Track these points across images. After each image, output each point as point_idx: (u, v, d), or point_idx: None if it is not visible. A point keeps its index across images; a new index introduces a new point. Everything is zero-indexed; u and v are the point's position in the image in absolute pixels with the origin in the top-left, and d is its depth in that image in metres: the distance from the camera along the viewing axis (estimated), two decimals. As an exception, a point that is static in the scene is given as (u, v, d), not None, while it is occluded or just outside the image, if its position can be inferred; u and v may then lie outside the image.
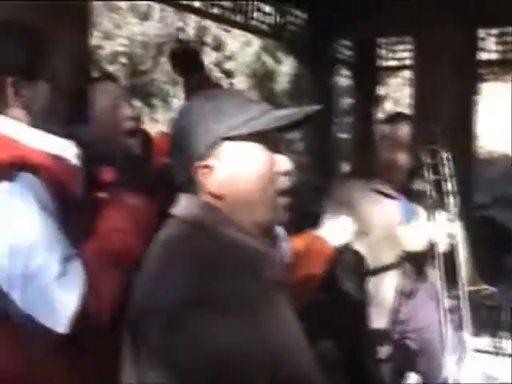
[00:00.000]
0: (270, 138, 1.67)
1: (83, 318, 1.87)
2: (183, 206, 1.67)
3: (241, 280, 1.57)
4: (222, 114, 1.62)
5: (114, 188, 2.16)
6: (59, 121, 2.12)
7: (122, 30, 17.87)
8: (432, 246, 3.64)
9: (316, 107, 1.71)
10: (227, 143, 1.62)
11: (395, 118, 3.98)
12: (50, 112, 2.09)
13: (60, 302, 1.85)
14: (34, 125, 2.05)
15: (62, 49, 2.21)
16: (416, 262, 3.81)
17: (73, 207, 2.01)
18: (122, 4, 17.81)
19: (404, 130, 3.84)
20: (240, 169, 1.63)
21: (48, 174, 1.96)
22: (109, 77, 2.66)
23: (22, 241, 1.85)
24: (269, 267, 1.68)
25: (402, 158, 3.83)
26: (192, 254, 1.55)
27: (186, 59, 5.46)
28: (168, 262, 1.56)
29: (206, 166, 1.61)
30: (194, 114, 1.63)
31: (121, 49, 17.75)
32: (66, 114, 2.16)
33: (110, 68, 17.54)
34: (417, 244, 3.68)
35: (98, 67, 16.56)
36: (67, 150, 2.07)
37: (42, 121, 2.06)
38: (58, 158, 2.03)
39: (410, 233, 3.66)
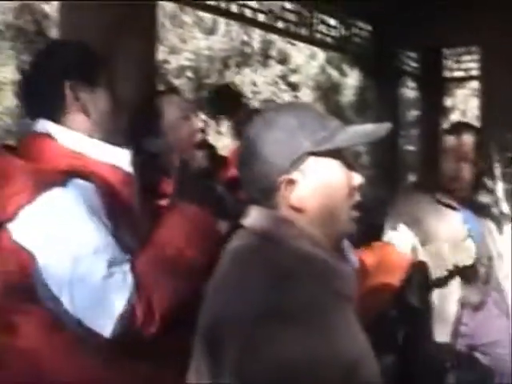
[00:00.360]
0: (344, 154, 1.70)
1: (130, 322, 1.89)
2: (256, 218, 1.70)
3: (313, 293, 1.59)
4: (308, 129, 1.65)
5: (175, 198, 2.18)
6: (119, 130, 2.16)
7: (188, 45, 18.06)
8: (500, 258, 3.58)
9: (389, 125, 1.71)
10: (311, 158, 1.65)
11: (459, 128, 3.92)
12: (110, 120, 2.14)
13: (106, 304, 1.88)
14: (92, 131, 2.11)
15: (127, 61, 2.26)
16: (483, 275, 3.75)
17: (127, 214, 2.04)
18: (188, 19, 18.01)
19: (468, 141, 3.78)
20: (322, 183, 1.66)
21: (101, 181, 2.01)
22: (174, 90, 2.70)
23: (70, 245, 1.89)
24: (340, 280, 1.69)
25: (467, 170, 3.78)
26: (266, 266, 1.58)
27: (226, 100, 5.45)
28: (242, 273, 1.59)
29: (291, 180, 1.64)
30: (278, 129, 1.64)
31: (187, 63, 17.94)
32: (127, 125, 2.20)
33: (176, 82, 17.74)
34: (483, 256, 3.63)
35: (164, 81, 16.77)
36: (122, 158, 2.11)
37: (100, 127, 2.12)
38: (112, 167, 2.08)
39: (475, 245, 3.60)
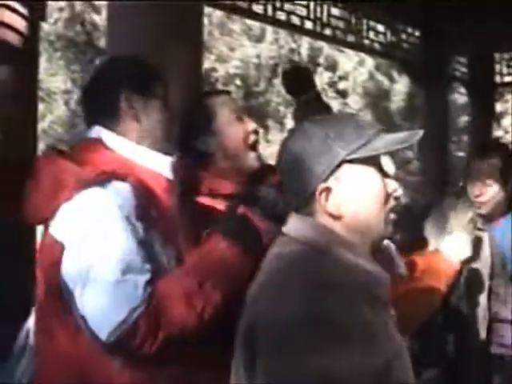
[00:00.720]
0: (379, 161, 1.74)
1: (129, 333, 1.89)
2: (297, 225, 1.72)
3: (354, 300, 1.59)
4: (344, 138, 1.68)
5: (216, 230, 2.17)
6: (168, 137, 2.23)
7: (236, 53, 18.17)
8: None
9: (421, 132, 1.74)
10: (347, 165, 1.68)
11: (486, 149, 3.82)
12: (160, 128, 2.21)
13: (110, 308, 1.89)
14: (142, 138, 2.18)
15: (175, 70, 2.31)
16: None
17: (163, 221, 2.07)
18: (236, 27, 18.11)
19: (492, 163, 3.67)
20: (358, 190, 1.70)
21: (142, 186, 2.05)
22: (226, 92, 2.73)
23: (94, 243, 1.93)
24: (378, 287, 1.70)
25: (493, 190, 3.67)
26: (307, 274, 1.59)
27: (298, 79, 5.51)
28: (283, 280, 1.59)
29: (327, 188, 1.68)
30: (315, 138, 1.69)
31: (235, 71, 18.04)
32: (179, 126, 2.28)
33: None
34: None
35: (213, 89, 16.89)
36: (164, 165, 2.16)
37: (150, 135, 2.20)
38: (155, 173, 2.13)
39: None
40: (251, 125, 2.54)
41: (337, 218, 1.69)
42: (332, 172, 1.67)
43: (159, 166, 2.15)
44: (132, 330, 1.89)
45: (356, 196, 1.69)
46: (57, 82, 17.77)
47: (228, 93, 2.73)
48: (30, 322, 2.29)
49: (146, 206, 2.02)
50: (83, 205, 1.97)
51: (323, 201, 1.68)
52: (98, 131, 2.17)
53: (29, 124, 5.40)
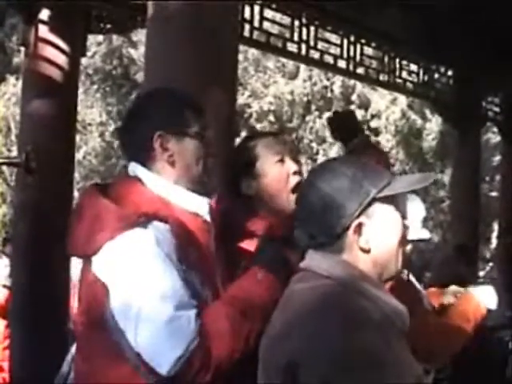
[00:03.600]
0: (397, 201, 1.83)
1: (186, 366, 1.94)
2: (320, 261, 1.77)
3: (387, 332, 1.65)
4: (371, 178, 1.77)
5: (255, 262, 2.22)
6: (206, 176, 2.24)
7: (270, 89, 18.28)
8: None
9: (434, 175, 1.84)
10: (376, 203, 1.76)
11: None
12: (197, 168, 2.22)
13: (167, 345, 1.94)
14: (178, 179, 2.19)
15: (209, 107, 2.33)
16: None
17: (201, 261, 2.11)
18: (270, 64, 18.25)
19: None
20: (385, 227, 1.78)
21: (180, 226, 2.08)
22: (272, 133, 2.76)
23: (142, 284, 1.97)
24: (400, 319, 1.75)
25: None
26: (337, 309, 1.64)
27: (345, 125, 5.50)
28: (318, 317, 1.63)
29: (360, 224, 1.74)
30: (345, 176, 1.76)
31: (269, 107, 18.14)
32: (211, 171, 2.27)
33: (258, 126, 17.94)
34: None
35: (247, 125, 17.00)
36: (202, 207, 2.19)
37: (186, 175, 2.20)
38: (192, 214, 2.15)
39: None
40: (293, 166, 2.55)
41: (366, 252, 1.75)
42: (363, 208, 1.74)
43: (196, 206, 2.17)
44: (189, 363, 1.95)
45: (384, 232, 1.77)
46: (92, 115, 18.00)
47: (273, 134, 2.76)
48: (74, 348, 2.34)
49: (184, 246, 2.06)
50: (127, 246, 2.00)
51: (355, 236, 1.74)
52: (134, 168, 2.20)
53: (68, 154, 5.54)
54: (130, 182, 2.17)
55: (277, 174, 2.52)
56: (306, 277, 1.77)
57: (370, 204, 1.75)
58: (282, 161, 2.52)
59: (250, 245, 2.37)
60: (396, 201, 1.81)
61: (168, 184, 2.17)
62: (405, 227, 1.83)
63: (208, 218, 2.17)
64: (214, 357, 1.98)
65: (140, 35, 16.40)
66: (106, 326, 2.00)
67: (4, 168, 14.65)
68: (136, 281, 1.97)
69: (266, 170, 2.52)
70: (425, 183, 1.84)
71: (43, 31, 5.19)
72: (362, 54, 7.16)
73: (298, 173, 2.55)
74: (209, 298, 2.08)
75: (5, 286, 7.39)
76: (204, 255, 2.13)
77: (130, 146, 2.24)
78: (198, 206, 2.17)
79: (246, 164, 2.52)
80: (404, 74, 7.82)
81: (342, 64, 7.06)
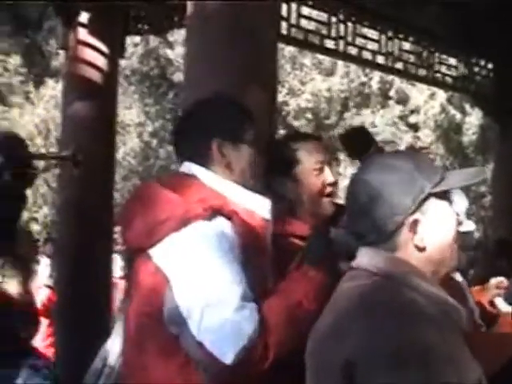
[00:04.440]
0: (450, 197, 1.79)
1: (249, 356, 1.98)
2: (373, 259, 1.73)
3: (443, 327, 1.63)
4: (425, 172, 1.72)
5: (304, 260, 2.25)
6: (257, 177, 2.27)
7: (307, 86, 18.26)
8: None
9: (486, 169, 1.80)
10: (432, 199, 1.71)
11: None
12: (251, 172, 2.27)
13: (233, 333, 1.98)
14: (234, 181, 2.23)
15: (250, 105, 2.36)
16: None
17: (258, 257, 2.15)
18: (307, 61, 18.23)
19: None
20: (440, 223, 1.73)
21: (241, 222, 2.12)
22: (315, 137, 2.77)
23: (208, 273, 2.01)
24: (458, 316, 1.73)
25: None
26: (393, 307, 1.62)
27: (357, 140, 5.48)
28: (374, 313, 1.62)
29: (415, 221, 1.69)
30: (399, 171, 1.71)
31: (306, 104, 18.12)
32: (262, 171, 2.31)
33: (296, 123, 17.93)
34: None
35: (284, 123, 16.99)
36: (260, 204, 2.21)
37: (242, 179, 2.24)
38: (252, 212, 2.18)
39: None
40: (330, 178, 2.58)
41: (421, 250, 1.71)
42: (418, 204, 1.69)
43: (255, 204, 2.20)
44: (250, 353, 1.98)
45: (439, 229, 1.72)
46: (130, 115, 18.13)
47: (317, 138, 2.78)
48: (109, 345, 2.37)
49: (245, 243, 2.09)
50: (193, 237, 2.03)
51: (410, 233, 1.70)
52: (192, 168, 2.23)
53: (108, 155, 5.59)
54: (188, 178, 2.20)
55: (314, 182, 2.56)
56: (358, 275, 1.74)
57: (424, 200, 1.70)
58: (321, 170, 2.55)
59: (289, 243, 2.44)
60: (449, 196, 1.77)
61: (227, 182, 2.21)
62: (458, 223, 1.79)
63: (267, 216, 2.19)
64: (272, 347, 2.02)
65: (176, 36, 16.51)
66: (162, 316, 2.03)
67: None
68: (203, 271, 2.00)
69: (305, 176, 2.55)
70: (479, 178, 1.79)
71: (82, 34, 5.25)
72: (400, 49, 7.11)
73: (336, 183, 2.61)
74: (262, 293, 2.11)
75: (46, 286, 7.53)
76: (261, 252, 2.17)
77: (187, 150, 2.27)
78: (258, 204, 2.20)
79: (285, 165, 2.55)
80: (443, 69, 7.73)
81: (380, 60, 7.01)
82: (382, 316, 1.59)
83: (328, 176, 2.58)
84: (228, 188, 2.19)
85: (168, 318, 2.03)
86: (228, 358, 1.96)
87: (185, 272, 2.02)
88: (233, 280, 2.01)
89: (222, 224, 2.07)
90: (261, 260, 2.16)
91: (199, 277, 2.00)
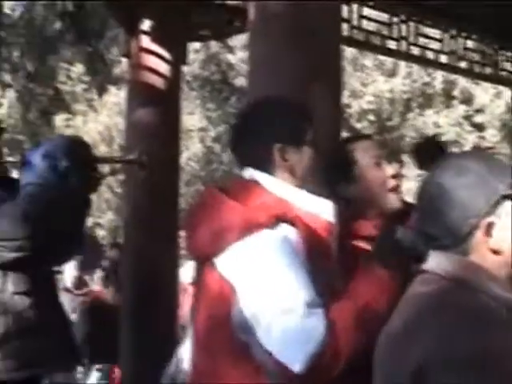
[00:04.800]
0: None
1: (318, 362, 1.96)
2: (444, 263, 1.71)
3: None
4: (497, 174, 1.68)
5: (372, 257, 2.23)
6: (318, 180, 2.25)
7: (369, 88, 18.16)
8: None
9: None
10: (506, 201, 1.67)
11: None
12: (312, 173, 2.23)
13: (301, 341, 1.96)
14: (297, 185, 2.20)
15: (315, 108, 2.34)
16: None
17: (324, 261, 2.13)
18: (368, 62, 18.13)
19: None
20: None
21: (304, 228, 2.09)
22: (368, 137, 2.77)
23: (274, 282, 1.99)
24: None
25: None
26: (466, 312, 1.59)
27: (428, 151, 5.41)
28: (441, 319, 1.59)
29: (490, 224, 1.65)
30: (471, 172, 1.68)
31: (368, 106, 18.03)
32: (323, 174, 2.29)
33: (358, 125, 17.85)
34: None
35: (347, 125, 16.92)
36: (326, 209, 2.19)
37: (304, 182, 2.21)
38: (315, 215, 2.16)
39: None
40: (390, 170, 2.56)
41: (497, 253, 1.66)
42: (492, 207, 1.65)
43: (319, 208, 2.17)
44: (319, 360, 1.97)
45: None
46: (192, 120, 18.28)
47: (369, 137, 2.77)
48: (183, 351, 2.38)
49: (310, 249, 2.08)
50: (257, 246, 2.02)
51: (485, 237, 1.66)
52: (253, 173, 2.21)
53: (173, 161, 5.63)
54: (249, 184, 2.18)
55: (374, 177, 2.54)
56: (429, 279, 1.71)
57: (498, 202, 1.65)
58: (379, 164, 2.53)
59: (364, 246, 2.41)
60: None
61: (289, 187, 2.18)
62: None
63: (331, 218, 2.16)
64: (341, 353, 2.00)
65: (237, 40, 16.60)
66: (231, 325, 2.03)
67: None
68: (268, 279, 1.99)
69: (364, 173, 2.54)
70: None
71: (145, 41, 5.29)
72: (463, 47, 7.01)
73: (397, 175, 2.58)
74: (329, 297, 2.09)
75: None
76: (327, 256, 2.15)
77: (247, 155, 2.24)
78: (321, 208, 2.17)
79: (344, 167, 2.55)
80: (508, 66, 7.61)
81: (443, 59, 6.93)
82: (454, 320, 1.57)
83: (388, 169, 2.56)
84: (290, 193, 2.17)
85: (237, 326, 2.03)
86: (297, 366, 1.95)
87: (250, 281, 2.01)
88: (299, 287, 1.99)
89: (285, 231, 2.05)
90: (327, 264, 2.15)
91: (265, 286, 1.99)
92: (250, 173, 2.21)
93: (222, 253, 2.05)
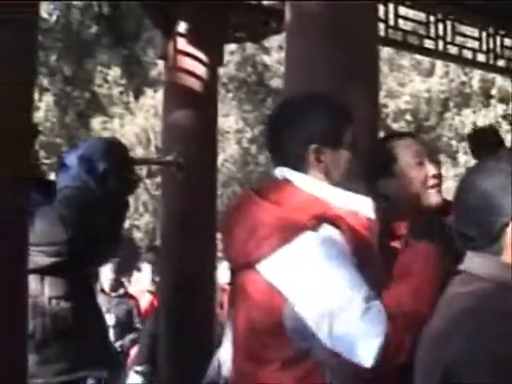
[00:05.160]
0: None
1: (386, 353, 1.94)
2: (480, 264, 1.72)
3: None
4: None
5: (409, 235, 2.20)
6: (357, 179, 2.21)
7: (406, 88, 18.06)
8: None
9: None
10: None
11: None
12: (349, 175, 2.19)
13: (366, 337, 1.95)
14: (333, 185, 2.16)
15: (353, 109, 2.31)
16: None
17: (367, 259, 2.10)
18: (405, 62, 18.03)
19: None
20: None
21: (346, 227, 2.06)
22: (410, 134, 2.74)
23: (325, 284, 1.97)
24: None
25: None
26: (503, 313, 1.60)
27: (484, 142, 5.36)
28: (480, 319, 1.60)
29: None
30: (503, 173, 1.70)
31: (405, 106, 17.93)
32: (362, 172, 2.25)
33: (395, 125, 17.75)
34: None
35: (384, 125, 16.84)
36: (365, 206, 2.15)
37: (339, 183, 2.16)
38: (355, 213, 2.12)
39: None
40: (432, 169, 2.54)
41: None
42: None
43: (358, 206, 2.13)
44: (386, 349, 1.95)
45: None
46: (229, 122, 18.31)
47: (411, 135, 2.74)
48: (222, 354, 2.37)
49: (354, 247, 2.05)
50: (304, 250, 1.99)
51: None
52: (285, 172, 2.17)
53: (210, 163, 5.64)
54: (283, 184, 2.15)
55: (416, 176, 2.51)
56: (466, 280, 1.72)
57: None
58: (421, 163, 2.51)
59: (394, 245, 2.39)
60: None
61: (324, 185, 2.14)
62: None
63: (371, 215, 2.13)
64: (404, 337, 1.97)
65: (273, 42, 16.60)
66: (281, 332, 2.01)
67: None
68: (321, 282, 1.97)
69: (406, 171, 2.51)
70: None
71: (181, 43, 5.31)
72: (502, 46, 6.95)
73: (438, 175, 2.55)
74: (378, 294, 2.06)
75: (149, 292, 7.68)
76: (370, 253, 2.12)
77: (281, 153, 2.20)
78: (361, 205, 2.13)
79: (385, 165, 2.51)
80: (548, 65, 7.53)
81: (481, 58, 6.87)
82: (487, 322, 1.57)
83: (430, 168, 2.53)
84: (327, 191, 2.13)
85: (293, 333, 2.00)
86: (368, 361, 1.93)
87: (303, 286, 1.98)
88: (353, 284, 1.97)
89: (329, 231, 2.03)
90: (371, 261, 2.11)
91: (319, 288, 1.97)
92: (283, 172, 2.17)
93: (264, 258, 2.02)
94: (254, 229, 2.04)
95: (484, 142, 5.30)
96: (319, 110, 2.19)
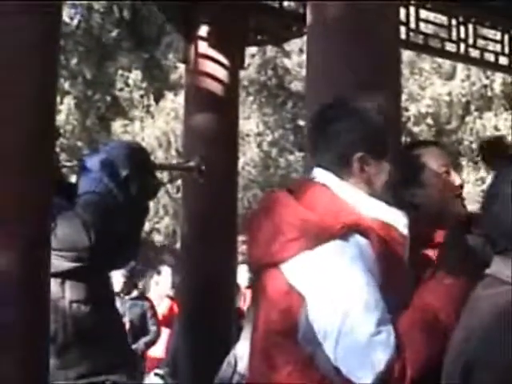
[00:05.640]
0: None
1: (387, 379, 1.93)
2: (504, 268, 1.72)
3: None
4: None
5: (440, 265, 2.18)
6: (391, 190, 2.20)
7: (427, 91, 17.98)
8: None
9: None
10: None
11: None
12: (387, 186, 2.18)
13: (369, 360, 1.93)
14: (372, 195, 2.15)
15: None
16: None
17: (395, 273, 2.08)
18: (426, 65, 17.96)
19: None
20: None
21: (377, 238, 2.05)
22: (433, 143, 2.74)
23: (343, 296, 1.96)
24: None
25: None
26: None
27: (496, 151, 5.33)
28: (501, 322, 1.61)
29: None
30: None
31: (426, 109, 17.85)
32: (394, 182, 2.23)
33: (416, 129, 17.68)
34: None
35: (405, 129, 16.77)
36: (398, 219, 2.14)
37: (379, 194, 2.15)
38: (387, 225, 2.11)
39: None
40: (458, 179, 2.55)
41: None
42: None
43: (391, 218, 2.12)
44: (388, 376, 1.94)
45: None
46: (249, 125, 18.29)
47: (436, 144, 2.74)
48: (238, 350, 2.36)
49: (383, 262, 2.04)
50: (329, 257, 1.99)
51: None
52: (325, 176, 2.16)
53: (231, 166, 5.65)
54: (319, 188, 2.13)
55: (443, 184, 2.53)
56: (490, 283, 1.73)
57: None
58: (448, 172, 2.52)
59: (433, 254, 2.37)
60: None
61: (362, 194, 2.13)
62: None
63: (405, 231, 2.11)
64: (410, 367, 1.96)
65: (293, 45, 16.59)
66: (296, 335, 2.00)
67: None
68: (340, 293, 1.96)
69: (434, 180, 2.52)
70: None
71: (202, 47, 5.33)
72: (524, 49, 6.91)
73: (462, 185, 2.59)
74: (400, 312, 2.06)
75: (168, 296, 7.66)
76: (399, 268, 2.10)
77: (325, 156, 2.17)
78: (394, 218, 2.12)
79: (412, 172, 2.51)
80: None
81: (503, 61, 6.83)
82: (508, 324, 1.59)
83: (456, 178, 2.56)
84: (364, 201, 2.11)
85: (303, 336, 2.00)
86: (365, 382, 1.92)
87: (321, 293, 1.98)
88: (370, 303, 1.95)
89: (358, 242, 2.01)
90: (400, 276, 2.09)
91: (336, 300, 1.95)
92: (321, 175, 2.16)
93: (290, 259, 2.01)
94: (282, 229, 2.03)
95: (497, 150, 5.29)
96: (370, 119, 2.18)
